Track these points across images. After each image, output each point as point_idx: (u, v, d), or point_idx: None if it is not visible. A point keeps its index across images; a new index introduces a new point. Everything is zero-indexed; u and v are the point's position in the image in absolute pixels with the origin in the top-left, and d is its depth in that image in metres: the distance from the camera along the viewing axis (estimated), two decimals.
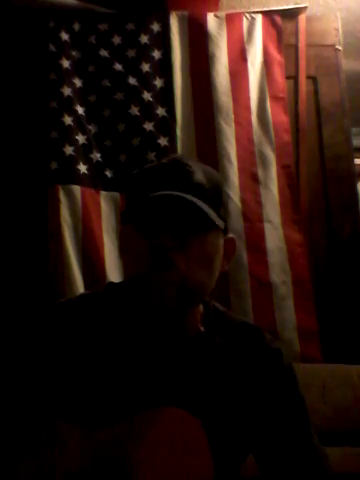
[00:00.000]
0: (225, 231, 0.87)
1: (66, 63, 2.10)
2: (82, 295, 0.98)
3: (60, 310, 0.92)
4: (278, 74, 2.20)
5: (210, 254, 0.84)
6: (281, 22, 2.24)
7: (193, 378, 0.85)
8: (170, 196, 0.80)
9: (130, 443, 0.75)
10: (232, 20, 2.22)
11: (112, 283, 0.97)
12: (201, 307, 0.92)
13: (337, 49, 2.27)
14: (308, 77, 2.24)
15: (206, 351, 0.88)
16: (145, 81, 2.12)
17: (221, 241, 0.86)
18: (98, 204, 2.02)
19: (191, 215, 0.80)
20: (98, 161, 2.06)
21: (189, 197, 0.79)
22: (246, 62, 2.19)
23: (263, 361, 0.90)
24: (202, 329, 0.89)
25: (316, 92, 2.25)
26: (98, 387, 0.82)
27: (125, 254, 0.89)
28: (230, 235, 0.90)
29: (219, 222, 0.82)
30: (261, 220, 2.05)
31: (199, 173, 0.86)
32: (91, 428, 0.77)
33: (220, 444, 0.79)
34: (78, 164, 2.01)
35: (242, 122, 2.14)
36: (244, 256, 1.98)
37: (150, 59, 2.15)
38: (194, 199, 0.80)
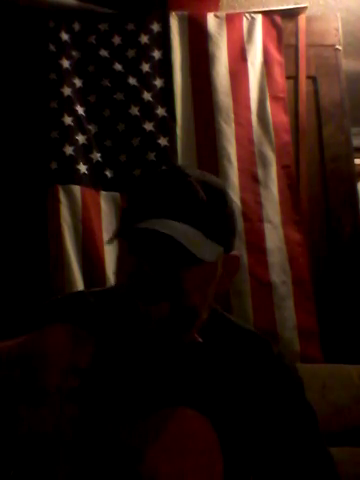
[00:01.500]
0: (228, 248, 0.84)
1: (66, 63, 2.10)
2: (93, 291, 0.98)
3: (62, 306, 0.92)
4: (278, 74, 2.20)
5: (202, 282, 0.81)
6: (281, 22, 2.24)
7: (191, 385, 0.83)
8: (152, 230, 0.74)
9: (141, 443, 0.75)
10: (232, 20, 2.22)
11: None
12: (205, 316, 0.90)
13: (337, 49, 2.27)
14: (308, 77, 2.24)
15: (203, 359, 0.86)
16: (145, 81, 2.12)
17: (218, 263, 0.83)
18: (98, 204, 2.02)
19: (182, 249, 0.75)
20: (98, 161, 2.06)
21: (177, 234, 0.74)
22: (246, 62, 2.19)
23: (271, 373, 0.88)
24: (200, 339, 0.87)
25: (316, 92, 2.25)
26: (103, 391, 0.81)
27: (117, 263, 0.88)
28: (234, 252, 0.86)
29: (210, 255, 0.78)
30: (261, 220, 2.05)
31: (200, 192, 0.80)
32: (98, 430, 0.77)
33: (227, 447, 0.79)
34: (78, 164, 2.01)
35: (242, 122, 2.14)
36: (244, 256, 1.98)
37: (150, 59, 2.15)
38: (183, 236, 0.74)
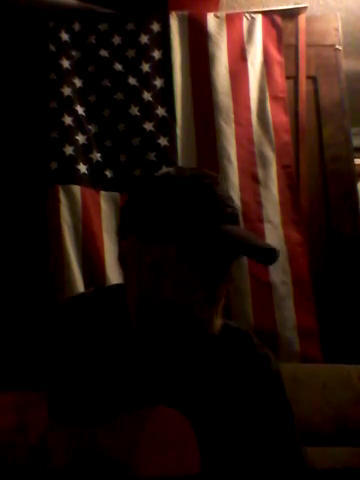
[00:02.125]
0: None
1: (66, 63, 2.10)
2: (77, 296, 0.98)
3: (60, 311, 0.93)
4: (278, 74, 2.20)
5: (224, 296, 0.82)
6: (281, 22, 2.24)
7: (181, 379, 0.85)
8: (237, 240, 0.75)
9: (120, 440, 0.76)
10: (232, 20, 2.22)
11: (99, 288, 0.96)
12: None
13: (337, 49, 2.27)
14: (308, 77, 2.24)
15: (194, 354, 0.88)
16: (145, 81, 2.12)
17: None
18: (98, 204, 2.02)
19: (228, 262, 0.78)
20: (98, 161, 2.06)
21: (255, 243, 0.77)
22: (246, 62, 2.19)
23: (251, 366, 0.90)
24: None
25: (316, 92, 2.25)
26: (86, 389, 0.82)
27: (129, 270, 0.84)
28: None
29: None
30: (261, 220, 2.05)
31: (226, 199, 0.80)
32: (81, 426, 0.78)
33: (209, 443, 0.80)
34: (78, 164, 2.01)
35: (242, 122, 2.13)
36: (244, 256, 1.98)
37: (150, 59, 2.15)
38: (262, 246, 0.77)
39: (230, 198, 0.80)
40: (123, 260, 0.86)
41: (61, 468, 0.75)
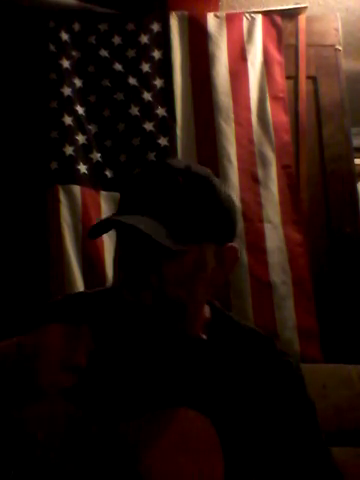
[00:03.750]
0: (222, 241, 0.86)
1: (66, 63, 2.10)
2: (82, 293, 1.00)
3: (61, 307, 0.94)
4: (278, 74, 2.20)
5: (184, 274, 0.81)
6: (281, 22, 2.24)
7: (200, 384, 0.84)
8: (129, 225, 0.77)
9: (140, 442, 0.75)
10: (232, 20, 2.22)
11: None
12: (207, 312, 0.92)
13: (337, 49, 2.26)
14: (308, 77, 2.24)
15: (208, 357, 0.87)
16: (145, 81, 2.12)
17: (206, 256, 0.84)
18: (98, 204, 2.02)
19: (150, 244, 0.77)
20: (98, 161, 2.06)
21: (149, 229, 0.76)
22: (246, 62, 2.19)
23: (274, 371, 0.89)
24: (204, 336, 0.88)
25: (316, 92, 2.25)
26: (102, 389, 0.82)
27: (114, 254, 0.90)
28: (231, 243, 0.88)
29: (176, 246, 0.78)
30: (261, 220, 2.05)
31: (181, 186, 0.81)
32: (95, 428, 0.77)
33: (228, 447, 0.78)
34: (78, 164, 2.01)
35: (242, 122, 2.13)
36: (244, 256, 1.98)
37: (150, 59, 2.15)
38: (154, 231, 0.76)
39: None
40: None
41: (76, 464, 0.74)
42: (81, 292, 1.03)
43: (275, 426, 0.85)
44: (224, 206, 0.87)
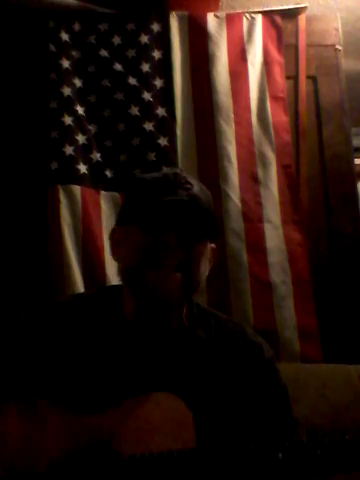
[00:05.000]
0: (212, 240, 0.98)
1: (66, 63, 2.10)
2: (76, 295, 1.05)
3: (53, 309, 0.99)
4: (278, 74, 2.20)
5: (205, 259, 0.93)
6: (281, 22, 2.23)
7: (178, 368, 0.90)
8: (180, 201, 0.88)
9: (116, 425, 0.80)
10: (232, 20, 2.22)
11: (104, 287, 1.09)
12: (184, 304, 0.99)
13: (337, 49, 2.26)
14: (308, 77, 2.24)
15: (189, 343, 0.94)
16: (145, 81, 2.12)
17: (210, 250, 0.96)
18: (98, 204, 2.02)
19: (199, 221, 0.89)
20: (98, 161, 2.06)
21: (197, 204, 0.89)
22: (246, 62, 2.19)
23: (245, 354, 0.96)
24: (186, 323, 0.96)
25: (316, 92, 2.24)
26: (88, 378, 0.87)
27: (121, 250, 0.95)
28: (212, 245, 0.99)
29: (218, 230, 0.93)
30: (261, 220, 2.05)
31: (196, 187, 0.94)
32: (80, 414, 0.82)
33: (205, 425, 0.83)
34: (78, 164, 2.01)
35: (242, 122, 2.13)
36: (244, 256, 1.98)
37: (150, 59, 2.15)
38: (202, 207, 0.89)
39: (188, 183, 0.93)
40: (118, 243, 0.98)
41: (62, 454, 0.77)
42: (52, 301, 1.07)
43: (247, 404, 0.92)
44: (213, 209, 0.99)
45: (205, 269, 0.94)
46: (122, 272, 0.95)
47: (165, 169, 1.02)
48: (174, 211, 0.88)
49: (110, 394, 0.84)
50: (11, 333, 0.97)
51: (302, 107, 2.20)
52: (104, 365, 0.88)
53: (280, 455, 0.69)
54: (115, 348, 0.90)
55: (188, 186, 0.92)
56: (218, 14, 2.23)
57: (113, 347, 0.90)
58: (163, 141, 2.07)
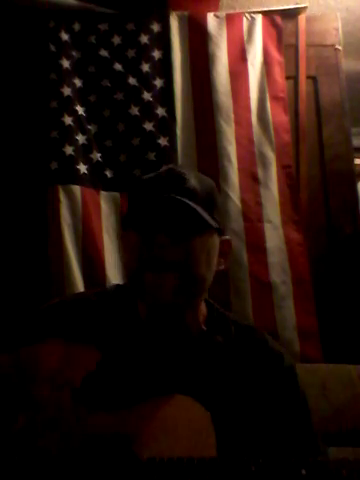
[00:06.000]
0: (221, 232, 0.94)
1: (66, 63, 2.10)
2: (96, 291, 1.03)
3: (74, 304, 0.97)
4: (278, 74, 2.20)
5: (208, 253, 0.89)
6: (281, 22, 2.23)
7: (194, 372, 0.88)
8: (167, 199, 0.85)
9: (137, 427, 0.78)
10: (232, 20, 2.22)
11: (120, 285, 1.04)
12: (204, 308, 0.97)
13: (337, 49, 2.26)
14: (308, 77, 2.24)
15: (208, 349, 0.91)
16: (145, 81, 2.12)
17: (217, 241, 0.92)
18: (98, 204, 2.02)
19: (187, 217, 0.86)
20: (98, 161, 2.06)
21: (183, 200, 0.85)
22: (246, 62, 2.19)
23: (265, 361, 0.93)
24: (204, 328, 0.93)
25: (316, 92, 2.24)
26: (106, 378, 0.85)
27: (124, 256, 0.94)
28: (226, 236, 0.96)
29: (212, 223, 0.88)
30: (261, 220, 2.05)
31: (192, 180, 0.91)
32: (94, 412, 0.80)
33: (225, 434, 0.81)
34: (78, 164, 2.01)
35: (242, 122, 2.13)
36: (244, 256, 1.98)
37: (150, 59, 2.15)
38: (189, 202, 0.85)
39: (185, 180, 0.91)
40: (124, 246, 0.96)
41: (75, 452, 0.76)
42: (77, 295, 1.06)
43: (266, 413, 0.90)
44: (219, 204, 0.97)
45: (210, 264, 0.90)
46: (125, 276, 0.95)
47: (162, 167, 0.96)
48: (163, 210, 0.86)
49: (124, 394, 0.83)
50: (31, 323, 0.96)
51: (302, 107, 2.20)
52: (118, 365, 0.87)
53: (304, 472, 0.67)
54: (130, 348, 0.89)
55: (182, 181, 0.89)
56: (218, 14, 2.23)
57: (128, 347, 0.90)
58: (163, 141, 2.07)
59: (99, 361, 0.86)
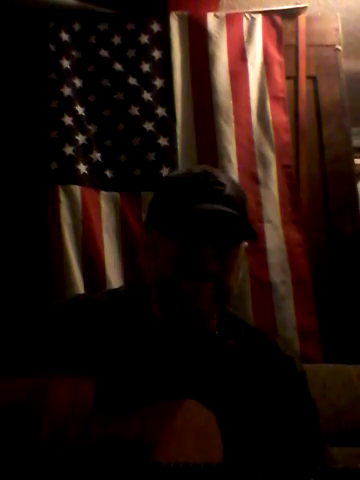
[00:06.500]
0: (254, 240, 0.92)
1: (66, 63, 2.10)
2: (108, 291, 1.02)
3: (84, 304, 0.96)
4: (278, 74, 2.20)
5: (239, 263, 0.90)
6: (281, 22, 2.24)
7: (205, 376, 0.88)
8: (212, 209, 0.83)
9: (145, 428, 0.79)
10: (232, 20, 2.22)
11: (132, 285, 1.02)
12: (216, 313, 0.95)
13: (337, 49, 2.27)
14: (308, 77, 2.24)
15: (218, 352, 0.91)
16: (145, 81, 2.12)
17: (244, 250, 0.92)
18: (98, 204, 2.02)
19: (230, 227, 0.85)
20: (98, 161, 2.06)
21: (230, 210, 0.83)
22: (246, 62, 2.19)
23: (276, 367, 0.93)
24: (216, 332, 0.93)
25: (316, 92, 2.25)
26: (117, 379, 0.85)
27: (150, 257, 0.91)
28: (246, 243, 0.94)
29: (253, 235, 0.87)
30: (261, 220, 2.05)
31: (229, 186, 0.89)
32: (108, 415, 0.80)
33: (233, 438, 0.81)
34: (78, 164, 2.01)
35: (242, 122, 2.13)
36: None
37: (150, 59, 2.15)
38: (235, 213, 0.84)
39: (222, 184, 0.89)
40: (145, 249, 0.93)
41: (82, 454, 0.76)
42: (88, 295, 1.04)
43: (276, 418, 0.89)
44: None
45: (238, 273, 0.90)
46: (153, 281, 0.89)
47: (194, 168, 0.94)
48: (208, 221, 0.84)
49: (134, 395, 0.83)
50: (41, 323, 0.94)
51: (302, 107, 2.20)
52: (129, 366, 0.87)
53: None
54: (142, 350, 0.88)
55: (221, 187, 0.87)
56: (218, 14, 2.23)
57: (140, 348, 0.88)
58: (163, 141, 2.07)
59: (111, 364, 0.86)
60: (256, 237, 0.89)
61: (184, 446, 0.77)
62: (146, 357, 0.88)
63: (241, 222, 0.85)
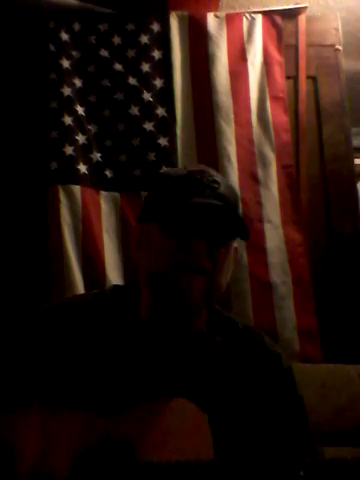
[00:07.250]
0: (236, 240, 0.94)
1: (66, 63, 2.10)
2: (95, 293, 1.01)
3: (71, 307, 0.96)
4: (278, 74, 2.20)
5: (229, 264, 0.91)
6: (281, 22, 2.24)
7: (193, 373, 0.88)
8: (207, 205, 0.85)
9: (134, 428, 0.79)
10: (232, 20, 2.22)
11: (118, 286, 1.03)
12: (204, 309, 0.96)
13: (337, 49, 2.27)
14: (308, 77, 2.24)
15: (206, 349, 0.91)
16: (145, 81, 2.12)
17: (233, 249, 0.94)
18: (98, 204, 2.02)
19: (223, 221, 0.86)
20: (98, 161, 2.06)
21: (223, 205, 0.85)
22: (246, 62, 2.19)
23: (263, 362, 0.93)
24: (204, 330, 0.93)
25: (316, 92, 2.25)
26: (105, 380, 0.85)
27: (143, 251, 0.92)
28: (235, 244, 0.96)
29: (245, 234, 0.88)
30: (261, 220, 2.05)
31: (223, 186, 0.91)
32: (97, 416, 0.80)
33: (223, 435, 0.81)
34: (78, 164, 2.01)
35: (242, 122, 2.13)
36: (244, 256, 1.98)
37: (150, 59, 2.15)
38: (231, 210, 0.86)
39: (215, 182, 0.91)
40: (139, 242, 0.94)
41: (71, 460, 0.76)
42: (75, 297, 1.05)
43: (264, 414, 0.90)
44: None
45: (228, 271, 0.92)
46: (145, 275, 0.90)
47: (190, 166, 0.97)
48: (203, 215, 0.85)
49: (122, 396, 0.83)
50: (27, 327, 0.94)
51: (302, 107, 2.20)
52: (117, 367, 0.87)
53: (302, 473, 0.66)
54: (129, 350, 0.89)
55: (215, 185, 0.89)
56: (218, 14, 2.23)
57: (127, 349, 0.89)
58: (163, 141, 2.07)
59: (99, 363, 0.86)
60: (248, 236, 0.89)
61: (174, 445, 0.77)
62: (134, 357, 0.88)
63: (234, 217, 0.87)
